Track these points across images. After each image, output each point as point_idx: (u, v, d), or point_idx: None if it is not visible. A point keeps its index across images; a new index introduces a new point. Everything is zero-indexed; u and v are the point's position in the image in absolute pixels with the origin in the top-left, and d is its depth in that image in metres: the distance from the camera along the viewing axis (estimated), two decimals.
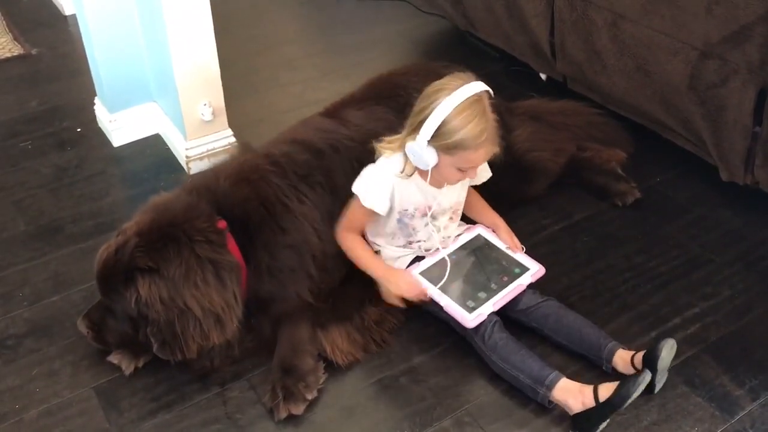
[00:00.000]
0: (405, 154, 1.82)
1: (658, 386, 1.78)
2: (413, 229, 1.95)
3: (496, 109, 2.36)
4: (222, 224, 1.85)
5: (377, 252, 2.01)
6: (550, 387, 1.73)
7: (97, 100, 2.77)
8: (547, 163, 2.37)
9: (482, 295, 1.89)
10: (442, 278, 1.92)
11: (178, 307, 1.75)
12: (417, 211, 1.92)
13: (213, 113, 2.50)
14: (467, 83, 1.74)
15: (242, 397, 1.84)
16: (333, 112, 2.18)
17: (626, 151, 2.51)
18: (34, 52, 3.30)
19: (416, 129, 1.76)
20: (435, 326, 1.97)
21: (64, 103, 2.94)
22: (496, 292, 1.90)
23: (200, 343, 1.78)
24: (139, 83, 2.64)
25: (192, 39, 2.34)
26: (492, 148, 1.80)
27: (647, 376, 1.65)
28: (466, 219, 2.10)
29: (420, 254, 1.99)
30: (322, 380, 1.84)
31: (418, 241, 1.97)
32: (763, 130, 2.06)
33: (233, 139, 2.59)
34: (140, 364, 1.88)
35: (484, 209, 2.08)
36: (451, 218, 1.99)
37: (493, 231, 2.03)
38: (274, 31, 3.48)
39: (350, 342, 1.91)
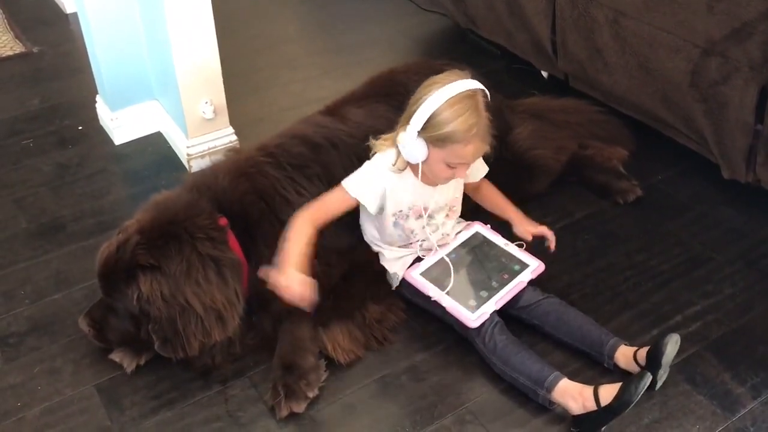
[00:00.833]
0: (397, 150, 1.83)
1: (660, 383, 1.78)
2: (411, 232, 1.95)
3: (497, 106, 2.38)
4: (223, 221, 1.85)
5: (377, 253, 2.01)
6: (549, 389, 1.73)
7: (98, 98, 2.77)
8: (548, 161, 2.37)
9: (484, 293, 1.89)
10: (443, 279, 1.92)
11: (180, 304, 1.75)
12: (411, 211, 1.91)
13: (214, 111, 2.50)
14: (462, 79, 1.75)
15: (244, 394, 1.84)
16: (333, 110, 2.19)
17: (628, 148, 2.51)
18: (35, 50, 3.30)
19: (408, 120, 1.77)
20: (436, 324, 1.97)
21: (66, 101, 2.94)
22: (497, 290, 1.90)
23: (202, 340, 1.78)
24: (140, 81, 2.64)
25: (193, 37, 2.34)
26: (482, 146, 1.79)
27: (648, 379, 1.64)
28: (466, 216, 2.10)
29: (420, 254, 1.98)
30: (323, 378, 1.84)
31: (417, 242, 1.97)
32: (764, 128, 2.06)
33: (234, 138, 2.60)
34: (142, 361, 1.89)
35: (501, 202, 2.07)
36: (447, 215, 1.99)
37: (527, 252, 2.00)
38: (275, 30, 3.48)
39: (351, 340, 1.91)
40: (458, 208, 2.03)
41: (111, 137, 2.73)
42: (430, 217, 1.93)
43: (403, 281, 1.97)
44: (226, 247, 1.82)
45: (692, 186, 2.44)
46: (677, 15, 2.15)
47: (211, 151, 2.56)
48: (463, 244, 2.01)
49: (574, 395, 1.71)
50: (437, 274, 1.93)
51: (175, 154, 2.65)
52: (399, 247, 1.99)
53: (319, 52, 3.31)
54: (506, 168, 2.27)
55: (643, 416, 1.76)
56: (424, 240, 1.97)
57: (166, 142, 2.72)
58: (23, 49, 3.30)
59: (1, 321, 2.04)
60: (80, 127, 2.80)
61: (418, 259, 1.98)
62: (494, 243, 2.02)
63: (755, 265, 2.15)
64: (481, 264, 1.97)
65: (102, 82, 2.65)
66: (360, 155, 1.97)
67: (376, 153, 1.89)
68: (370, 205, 1.88)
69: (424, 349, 1.94)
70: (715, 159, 2.29)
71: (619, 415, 1.66)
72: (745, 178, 2.21)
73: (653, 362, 1.72)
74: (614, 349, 1.81)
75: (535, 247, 2.05)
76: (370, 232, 2.01)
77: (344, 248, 2.01)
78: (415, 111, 1.75)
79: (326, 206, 1.89)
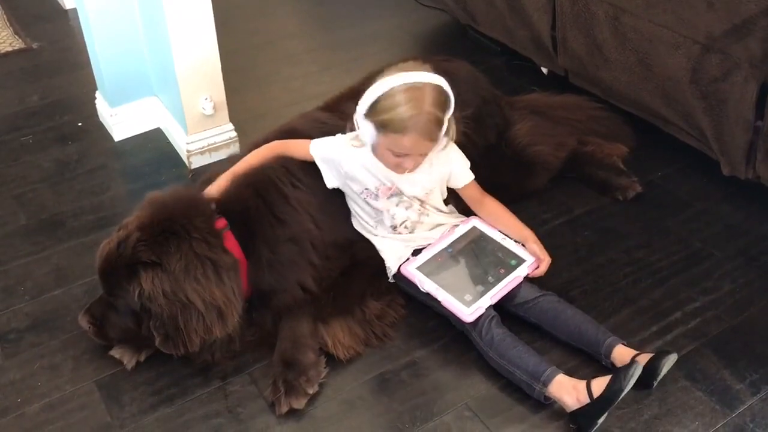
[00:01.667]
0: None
1: (654, 383, 1.78)
2: (387, 212, 1.95)
3: (497, 102, 2.38)
4: (221, 223, 1.85)
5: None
6: (546, 383, 1.73)
7: (98, 95, 2.77)
8: (548, 158, 2.37)
9: (480, 288, 1.89)
10: (439, 273, 1.92)
11: (181, 300, 1.75)
12: (379, 190, 1.93)
13: (214, 107, 2.50)
14: (417, 71, 1.77)
15: (243, 391, 1.84)
16: (332, 106, 2.20)
17: (627, 145, 2.51)
18: (34, 46, 3.30)
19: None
20: (436, 320, 1.98)
21: (65, 97, 2.94)
22: (493, 284, 1.90)
23: (203, 336, 1.79)
24: (139, 77, 2.64)
25: (193, 33, 2.34)
26: (422, 141, 1.80)
27: (638, 369, 1.65)
28: (464, 213, 2.10)
29: (415, 246, 1.99)
30: (323, 374, 1.84)
31: (402, 224, 1.97)
32: (764, 125, 2.06)
33: (234, 134, 2.60)
34: (142, 358, 1.89)
35: (511, 221, 2.04)
36: (422, 204, 1.98)
37: (523, 245, 2.00)
38: (275, 26, 3.47)
39: (351, 336, 1.91)
40: (433, 199, 2.02)
41: (110, 133, 2.72)
42: (403, 201, 1.94)
43: (399, 274, 1.97)
44: (221, 250, 1.82)
45: (692, 182, 2.44)
46: (677, 11, 2.14)
47: (210, 147, 2.56)
48: (460, 239, 2.01)
49: (569, 390, 1.71)
50: (433, 267, 1.94)
51: (175, 151, 2.65)
52: (389, 234, 1.99)
53: (319, 47, 3.31)
54: (506, 164, 2.28)
55: (642, 412, 1.76)
56: (405, 221, 1.97)
57: (165, 138, 2.72)
58: (22, 45, 3.30)
59: (0, 317, 2.04)
60: (80, 124, 2.79)
61: (416, 253, 1.98)
62: (491, 237, 2.02)
63: (755, 262, 2.15)
64: (478, 258, 1.97)
65: (101, 78, 2.64)
66: None
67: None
68: (325, 173, 1.95)
69: (424, 345, 1.94)
70: (714, 155, 2.29)
71: (612, 405, 1.66)
72: (744, 175, 2.21)
73: (647, 378, 1.72)
74: (611, 348, 1.81)
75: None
76: (356, 222, 2.03)
77: (343, 242, 2.02)
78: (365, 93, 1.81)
79: (290, 148, 1.99)
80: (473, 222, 2.06)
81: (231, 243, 1.85)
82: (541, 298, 1.92)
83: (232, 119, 2.60)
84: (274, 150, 2.01)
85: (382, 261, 2.00)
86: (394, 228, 1.98)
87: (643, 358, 1.74)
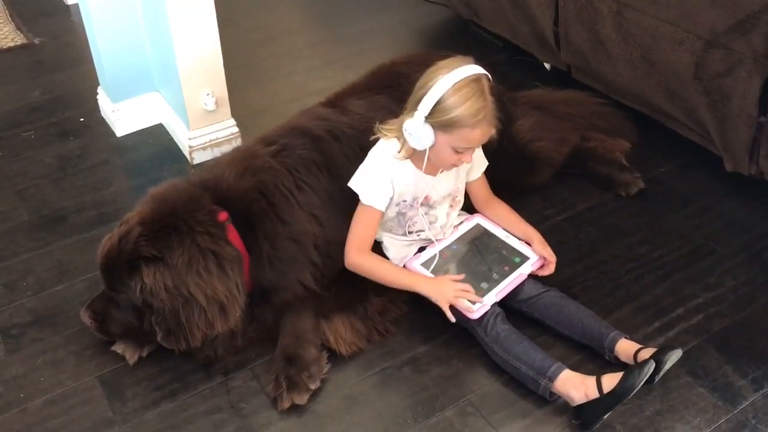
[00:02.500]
0: (402, 138, 1.82)
1: (657, 378, 1.77)
2: (410, 220, 1.95)
3: (499, 98, 2.37)
4: (223, 216, 1.85)
5: (379, 243, 2.01)
6: (552, 378, 1.73)
7: (99, 90, 2.77)
8: (550, 153, 2.36)
9: (484, 285, 1.89)
10: (444, 270, 1.92)
11: (183, 295, 1.75)
12: (415, 201, 1.91)
13: (216, 103, 2.50)
14: (467, 65, 1.76)
15: (246, 386, 1.84)
16: (334, 102, 2.18)
17: (630, 141, 2.51)
18: (36, 41, 3.29)
19: (414, 107, 1.77)
20: (438, 316, 1.97)
21: (67, 92, 2.94)
22: (498, 282, 1.90)
23: (205, 331, 1.79)
24: (141, 73, 2.64)
25: (195, 28, 2.34)
26: (489, 129, 1.80)
27: (651, 366, 1.64)
28: (468, 209, 2.10)
29: (421, 245, 1.98)
30: (325, 370, 1.84)
31: (417, 231, 1.97)
32: None
33: (236, 129, 2.59)
34: (144, 353, 1.89)
35: (516, 221, 2.05)
36: (451, 206, 1.99)
37: (528, 243, 2.00)
38: (277, 21, 3.47)
39: (353, 332, 1.91)
40: (461, 199, 2.03)
41: (112, 129, 2.72)
42: (432, 207, 1.93)
43: None
44: (225, 242, 1.82)
45: (695, 178, 2.44)
46: (681, 7, 2.14)
47: (212, 142, 2.56)
48: (464, 236, 2.01)
49: (576, 384, 1.71)
50: (438, 265, 1.93)
51: (177, 146, 2.65)
52: (399, 236, 1.99)
53: (321, 43, 3.30)
54: (508, 160, 2.27)
55: (644, 408, 1.76)
56: (421, 230, 1.97)
57: (167, 133, 2.72)
58: (24, 41, 3.30)
59: (3, 312, 2.04)
60: (82, 119, 2.79)
61: (420, 250, 1.98)
62: (495, 235, 2.02)
63: (757, 258, 2.15)
64: (482, 256, 1.97)
65: (103, 73, 2.64)
66: (362, 146, 1.96)
67: (378, 139, 1.89)
68: (382, 206, 1.89)
69: (426, 341, 1.94)
70: (718, 151, 2.29)
71: (621, 401, 1.66)
72: (748, 171, 2.20)
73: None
74: (614, 342, 1.81)
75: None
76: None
77: (345, 240, 2.01)
78: (421, 97, 1.75)
79: (363, 229, 1.92)
80: (477, 219, 2.05)
81: (234, 236, 1.85)
82: (544, 294, 1.92)
83: (234, 115, 2.60)
84: (360, 249, 1.92)
85: (385, 256, 2.00)
86: (410, 233, 1.98)
87: (647, 353, 1.74)
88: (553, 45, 2.68)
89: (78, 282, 2.12)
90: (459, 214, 2.07)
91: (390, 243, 2.00)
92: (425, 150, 1.80)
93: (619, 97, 2.58)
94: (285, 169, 1.95)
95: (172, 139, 2.69)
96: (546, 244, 1.99)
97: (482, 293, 1.87)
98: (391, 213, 1.94)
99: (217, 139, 2.56)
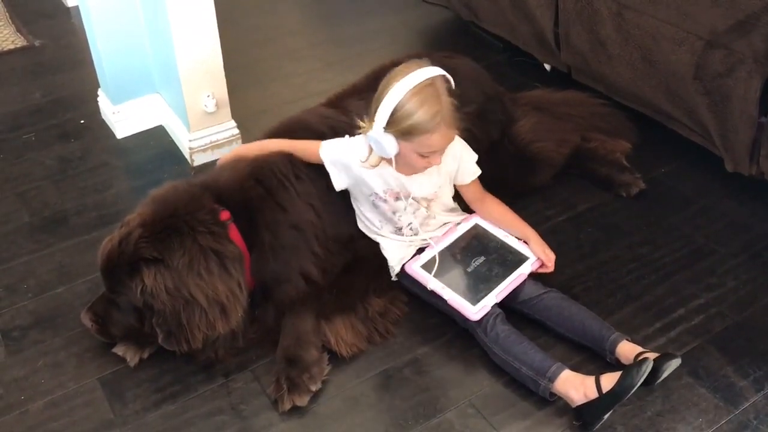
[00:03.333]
0: (369, 145, 1.84)
1: (656, 382, 1.77)
2: (393, 213, 1.95)
3: (500, 99, 2.38)
4: (225, 215, 1.85)
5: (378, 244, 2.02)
6: (552, 379, 1.73)
7: (100, 92, 2.77)
8: (550, 154, 2.36)
9: (484, 286, 1.89)
10: (444, 271, 1.92)
11: (184, 297, 1.75)
12: (387, 194, 1.92)
13: (216, 104, 2.50)
14: (420, 68, 1.75)
15: (246, 388, 1.84)
16: (335, 102, 2.19)
17: (630, 141, 2.51)
18: (37, 43, 3.29)
19: (373, 118, 1.78)
20: (438, 317, 1.98)
21: (68, 94, 2.94)
22: (497, 282, 1.90)
23: (206, 332, 1.79)
24: (142, 75, 2.64)
25: (195, 30, 2.34)
26: (449, 132, 1.79)
27: (649, 365, 1.64)
28: (464, 209, 2.10)
29: (419, 245, 1.98)
30: (326, 371, 1.84)
31: (408, 225, 1.97)
32: None
33: (236, 131, 2.59)
34: (145, 355, 1.89)
35: (513, 220, 2.04)
36: (432, 200, 1.98)
37: (525, 243, 1.99)
38: (277, 22, 3.47)
39: (354, 333, 1.91)
40: (446, 201, 2.02)
41: (113, 131, 2.72)
42: (408, 198, 1.93)
43: (403, 272, 1.97)
44: (227, 241, 1.82)
45: (695, 179, 2.44)
46: (681, 7, 2.14)
47: (213, 144, 2.56)
48: (463, 236, 2.01)
49: (575, 385, 1.71)
50: (437, 266, 1.93)
51: (177, 148, 2.65)
52: (392, 234, 1.99)
53: (321, 44, 3.30)
54: (509, 161, 2.27)
55: (645, 409, 1.76)
56: (410, 223, 1.97)
57: (168, 135, 2.72)
58: (25, 43, 3.30)
59: (4, 314, 2.04)
60: (82, 121, 2.79)
61: (419, 251, 1.98)
62: (494, 235, 2.02)
63: (759, 258, 2.15)
64: (481, 256, 1.97)
65: (104, 75, 2.64)
66: None
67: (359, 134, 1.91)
68: (333, 176, 1.93)
69: (427, 342, 1.94)
70: (718, 152, 2.29)
71: (620, 400, 1.66)
72: (748, 171, 2.20)
73: (648, 376, 1.71)
74: (615, 344, 1.80)
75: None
76: (360, 222, 2.02)
77: (345, 238, 2.02)
78: (377, 107, 1.76)
79: (298, 148, 1.98)
80: (475, 220, 2.05)
81: (235, 235, 1.86)
82: (545, 295, 1.92)
83: (234, 116, 2.60)
84: (280, 147, 2.00)
85: (384, 258, 2.00)
86: (399, 230, 1.98)
87: (649, 356, 1.73)
88: (553, 46, 2.68)
89: (79, 284, 2.12)
90: (458, 214, 2.07)
91: (388, 245, 2.00)
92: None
93: (620, 98, 2.58)
94: (284, 158, 1.96)
95: (172, 140, 2.69)
96: (544, 243, 1.99)
97: (482, 294, 1.87)
98: (369, 209, 1.96)
99: (217, 140, 2.56)
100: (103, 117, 2.79)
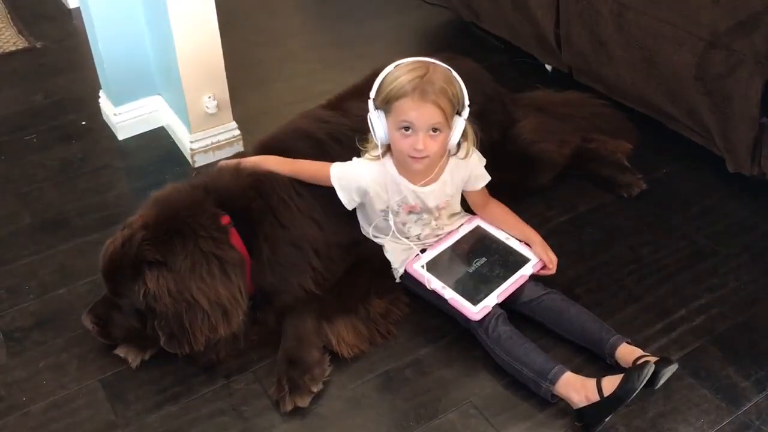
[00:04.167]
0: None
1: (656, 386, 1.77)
2: (403, 225, 1.95)
3: (500, 99, 2.38)
4: (226, 220, 1.85)
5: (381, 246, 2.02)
6: (553, 381, 1.73)
7: (101, 94, 2.77)
8: (552, 155, 2.36)
9: (486, 286, 1.89)
10: (445, 271, 1.92)
11: (186, 299, 1.75)
12: (401, 208, 1.92)
13: (217, 106, 2.50)
14: (427, 58, 1.78)
15: (248, 389, 1.84)
16: (336, 104, 2.19)
17: (632, 142, 2.50)
18: (38, 45, 3.30)
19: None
20: (440, 318, 1.98)
21: (69, 96, 2.94)
22: (499, 283, 1.90)
23: (208, 335, 1.79)
24: (143, 76, 2.64)
25: (196, 31, 2.34)
26: (429, 108, 1.72)
27: (650, 368, 1.64)
28: (467, 211, 2.10)
29: (422, 247, 1.98)
30: (327, 372, 1.84)
31: (416, 236, 1.98)
32: None
33: (238, 132, 2.60)
34: (146, 356, 1.89)
35: (516, 223, 2.04)
36: (441, 210, 1.98)
37: (527, 245, 1.99)
38: (279, 24, 3.47)
39: (355, 334, 1.91)
40: (455, 206, 2.02)
41: (114, 132, 2.73)
42: (427, 212, 1.93)
43: (405, 273, 1.97)
44: (228, 246, 1.82)
45: (697, 179, 2.43)
46: (682, 7, 2.14)
47: (214, 145, 2.56)
48: (465, 237, 2.01)
49: (577, 387, 1.71)
50: (439, 266, 1.93)
51: (179, 149, 2.65)
52: (398, 239, 1.99)
53: (323, 45, 3.30)
54: (510, 161, 2.27)
55: (647, 410, 1.76)
56: (418, 234, 1.97)
57: (169, 137, 2.72)
58: (26, 45, 3.30)
59: (6, 316, 2.04)
60: (84, 123, 2.80)
61: (421, 251, 1.98)
62: (495, 237, 2.02)
63: (760, 259, 2.15)
64: (483, 257, 1.97)
65: (105, 77, 2.64)
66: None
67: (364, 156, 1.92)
68: (344, 199, 1.93)
69: (428, 343, 1.94)
70: (719, 152, 2.29)
71: (622, 404, 1.66)
72: (750, 172, 2.20)
73: (649, 381, 1.71)
74: (614, 347, 1.80)
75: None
76: (364, 228, 2.02)
77: (348, 242, 2.02)
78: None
79: (304, 169, 1.95)
80: (477, 221, 2.05)
81: (236, 239, 1.85)
82: (546, 296, 1.92)
83: (235, 118, 2.60)
84: (291, 172, 1.96)
85: (386, 259, 2.00)
86: (407, 239, 1.98)
87: (649, 359, 1.73)
88: (554, 46, 2.68)
89: (80, 285, 2.12)
90: (461, 216, 2.07)
91: (391, 246, 2.00)
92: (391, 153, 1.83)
93: (621, 99, 2.58)
94: (284, 178, 1.96)
95: (173, 142, 2.69)
96: (546, 246, 1.99)
97: (483, 294, 1.87)
98: (379, 219, 1.95)
99: (218, 142, 2.56)
100: (105, 118, 2.79)
